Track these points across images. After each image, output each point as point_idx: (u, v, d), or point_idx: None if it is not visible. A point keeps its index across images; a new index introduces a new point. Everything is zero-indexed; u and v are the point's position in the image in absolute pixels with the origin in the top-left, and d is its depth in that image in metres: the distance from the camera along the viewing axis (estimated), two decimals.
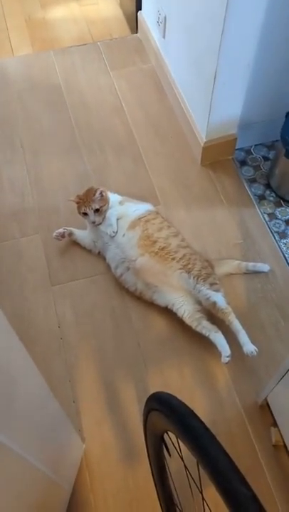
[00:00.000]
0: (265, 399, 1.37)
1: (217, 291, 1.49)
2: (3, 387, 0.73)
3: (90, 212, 1.59)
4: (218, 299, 1.47)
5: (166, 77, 2.13)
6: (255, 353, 1.39)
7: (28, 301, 1.62)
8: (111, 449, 1.38)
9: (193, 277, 1.50)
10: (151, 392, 1.44)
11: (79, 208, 1.63)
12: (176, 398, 0.77)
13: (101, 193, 1.61)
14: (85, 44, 2.41)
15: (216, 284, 1.51)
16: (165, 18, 1.99)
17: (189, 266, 1.52)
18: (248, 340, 1.42)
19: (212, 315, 1.50)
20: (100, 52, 2.36)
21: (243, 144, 1.99)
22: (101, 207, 1.60)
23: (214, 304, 1.47)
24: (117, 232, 1.59)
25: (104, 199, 1.61)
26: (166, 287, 1.53)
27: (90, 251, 1.71)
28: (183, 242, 1.60)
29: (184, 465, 0.79)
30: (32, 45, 2.45)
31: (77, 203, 1.63)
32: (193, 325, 1.48)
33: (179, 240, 1.60)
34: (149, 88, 2.22)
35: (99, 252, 1.69)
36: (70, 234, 1.70)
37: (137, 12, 2.37)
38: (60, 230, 1.68)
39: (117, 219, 1.61)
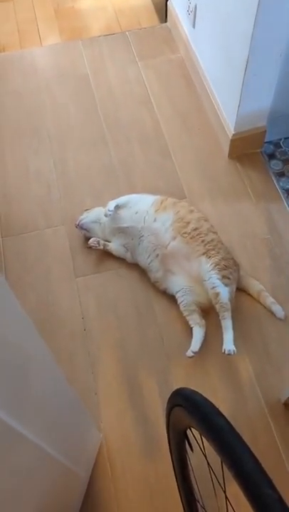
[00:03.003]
0: None
1: (226, 285, 1.48)
2: (15, 371, 0.73)
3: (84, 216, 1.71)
4: (223, 291, 1.46)
5: (195, 67, 2.10)
6: (233, 353, 1.40)
7: (52, 292, 1.63)
8: (132, 442, 1.38)
9: (211, 264, 1.49)
10: (174, 386, 1.45)
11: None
12: (201, 395, 0.76)
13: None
14: (113, 34, 2.39)
15: (229, 278, 1.50)
16: (195, 7, 1.96)
17: (213, 252, 1.52)
18: (231, 340, 1.42)
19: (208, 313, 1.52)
20: (128, 42, 2.34)
21: (272, 136, 1.94)
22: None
23: (217, 294, 1.46)
24: (112, 211, 1.62)
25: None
26: (183, 274, 1.53)
27: (123, 260, 1.68)
28: (212, 228, 1.61)
29: (208, 463, 0.78)
30: (60, 35, 2.44)
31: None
32: (184, 313, 1.52)
33: (209, 224, 1.61)
34: (178, 79, 2.19)
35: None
36: (104, 244, 1.67)
37: (166, 1, 2.34)
38: (94, 238, 1.67)
39: (122, 206, 1.65)
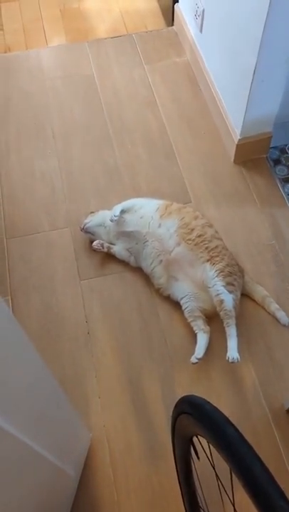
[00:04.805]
0: None
1: (230, 292, 1.47)
2: None
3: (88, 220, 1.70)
4: (227, 298, 1.45)
5: (201, 71, 2.10)
6: (237, 361, 1.39)
7: (56, 294, 1.63)
8: (135, 446, 1.38)
9: (215, 270, 1.49)
10: (177, 391, 1.45)
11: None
12: (209, 403, 0.76)
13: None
14: (119, 36, 2.39)
15: (233, 285, 1.49)
16: (203, 11, 1.96)
17: (217, 258, 1.51)
18: (235, 348, 1.41)
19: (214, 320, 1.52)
20: (135, 45, 2.33)
21: (278, 142, 1.94)
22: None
23: (221, 302, 1.45)
24: (117, 216, 1.62)
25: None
26: (187, 281, 1.53)
27: (127, 263, 1.68)
28: (217, 234, 1.61)
29: (215, 473, 0.77)
30: (66, 36, 2.44)
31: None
32: (189, 319, 1.52)
33: (213, 231, 1.60)
34: (184, 82, 2.19)
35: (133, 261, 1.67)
36: (108, 247, 1.67)
37: (173, 4, 2.34)
38: (98, 241, 1.67)
39: (127, 210, 1.64)
